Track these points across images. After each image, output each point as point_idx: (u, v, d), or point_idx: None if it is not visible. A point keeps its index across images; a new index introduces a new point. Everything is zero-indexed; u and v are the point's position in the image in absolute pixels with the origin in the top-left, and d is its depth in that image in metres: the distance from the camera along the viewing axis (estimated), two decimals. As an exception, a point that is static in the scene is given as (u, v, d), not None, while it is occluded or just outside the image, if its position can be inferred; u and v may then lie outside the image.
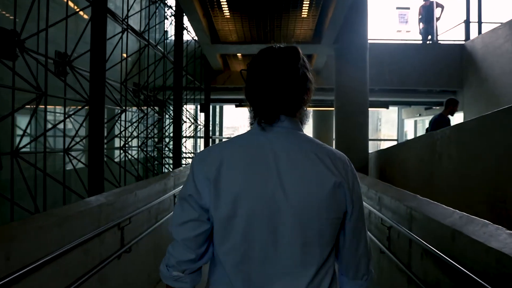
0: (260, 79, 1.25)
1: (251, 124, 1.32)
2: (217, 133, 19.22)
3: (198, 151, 15.65)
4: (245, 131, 1.38)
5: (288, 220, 1.18)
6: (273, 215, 1.18)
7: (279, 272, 1.20)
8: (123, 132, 7.61)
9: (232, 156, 1.23)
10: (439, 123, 6.71)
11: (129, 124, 8.36)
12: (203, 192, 1.23)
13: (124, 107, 7.12)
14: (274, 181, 1.19)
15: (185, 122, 12.39)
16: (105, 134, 4.69)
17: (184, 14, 8.88)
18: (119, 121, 7.64)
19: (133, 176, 7.58)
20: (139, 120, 8.33)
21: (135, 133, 8.77)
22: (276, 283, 1.20)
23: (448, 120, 6.82)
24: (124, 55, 7.67)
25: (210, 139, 16.84)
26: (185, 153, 13.14)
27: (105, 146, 8.33)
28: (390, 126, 23.61)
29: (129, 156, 8.04)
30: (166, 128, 11.24)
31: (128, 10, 7.33)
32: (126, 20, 7.22)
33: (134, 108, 9.23)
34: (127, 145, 7.93)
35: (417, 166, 6.90)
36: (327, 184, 1.20)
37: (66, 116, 5.60)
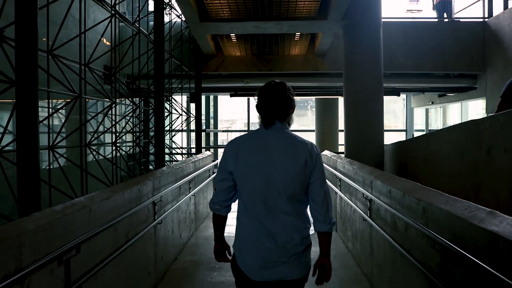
0: (264, 102, 2.20)
1: (260, 124, 2.23)
2: (212, 126, 17.83)
3: (192, 145, 14.54)
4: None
5: (276, 180, 2.12)
6: (267, 178, 2.12)
7: (273, 207, 2.13)
8: (91, 126, 6.21)
9: (245, 144, 2.20)
10: None
11: (98, 115, 6.96)
12: (230, 163, 2.19)
13: (79, 94, 5.70)
14: (269, 158, 2.13)
15: (171, 113, 11.00)
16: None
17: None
18: (84, 113, 6.25)
19: (99, 180, 6.23)
20: (104, 111, 6.92)
21: (106, 127, 7.44)
22: (274, 213, 2.13)
23: None
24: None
25: (204, 133, 15.49)
26: (173, 148, 11.75)
27: (64, 143, 7.00)
28: (392, 117, 22.38)
29: (100, 156, 6.71)
30: (151, 120, 9.88)
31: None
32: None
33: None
34: (97, 141, 6.58)
35: (454, 162, 5.57)
36: (299, 159, 2.13)
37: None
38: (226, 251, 2.43)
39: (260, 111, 2.21)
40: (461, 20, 11.77)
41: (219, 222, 2.36)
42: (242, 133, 2.38)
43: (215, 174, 9.38)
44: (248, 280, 2.18)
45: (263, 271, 2.14)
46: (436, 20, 11.95)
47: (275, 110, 2.17)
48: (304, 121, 20.84)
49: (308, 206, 2.25)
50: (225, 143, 18.52)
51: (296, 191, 2.13)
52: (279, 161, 2.11)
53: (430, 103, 15.11)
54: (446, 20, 11.70)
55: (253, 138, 2.21)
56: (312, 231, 2.24)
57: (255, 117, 2.61)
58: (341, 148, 11.47)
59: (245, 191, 2.17)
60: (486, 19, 11.21)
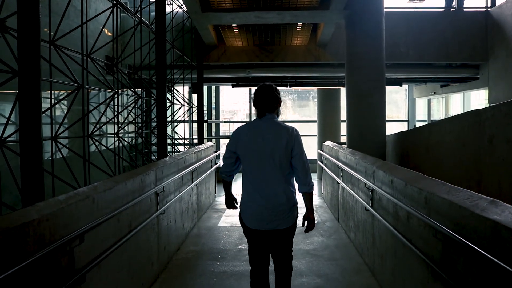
0: (258, 99, 3.07)
1: (256, 116, 3.13)
2: (214, 117, 17.81)
3: (194, 136, 14.54)
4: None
5: (267, 155, 2.97)
6: (260, 153, 2.98)
7: (266, 176, 2.98)
8: (93, 116, 6.19)
9: (245, 130, 3.08)
10: None
11: (101, 106, 6.94)
12: (234, 145, 3.08)
13: (81, 84, 5.70)
14: (261, 139, 2.99)
15: (173, 104, 10.97)
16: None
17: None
18: (86, 104, 6.23)
19: (101, 171, 6.24)
20: (106, 101, 6.88)
21: (108, 118, 7.41)
22: (267, 180, 2.98)
23: None
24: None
25: (206, 123, 15.44)
26: (176, 139, 11.75)
27: (67, 134, 7.00)
28: (394, 107, 22.30)
29: (103, 146, 6.72)
30: (153, 111, 9.84)
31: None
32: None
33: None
34: (99, 132, 6.57)
35: (455, 152, 5.59)
36: (282, 138, 2.97)
37: None
38: (234, 201, 3.32)
39: (255, 106, 3.10)
40: (463, 9, 11.68)
41: (227, 185, 3.31)
42: (244, 123, 3.25)
43: (217, 164, 9.37)
44: (249, 229, 3.07)
45: (259, 222, 3.01)
46: (441, 9, 11.85)
47: (266, 105, 3.05)
48: (306, 112, 20.73)
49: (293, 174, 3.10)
50: (227, 134, 18.56)
51: (282, 162, 2.98)
52: (268, 141, 2.98)
53: (432, 93, 15.05)
54: (452, 9, 11.60)
55: (251, 126, 3.09)
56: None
57: (255, 108, 3.13)
58: (343, 139, 11.45)
59: (246, 164, 3.06)
60: (489, 9, 11.12)
